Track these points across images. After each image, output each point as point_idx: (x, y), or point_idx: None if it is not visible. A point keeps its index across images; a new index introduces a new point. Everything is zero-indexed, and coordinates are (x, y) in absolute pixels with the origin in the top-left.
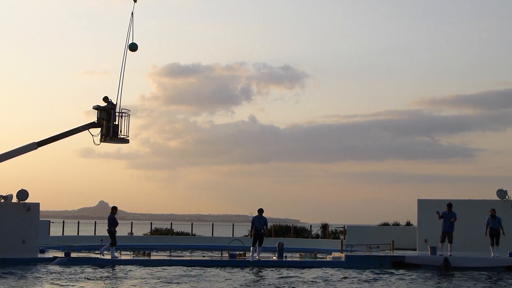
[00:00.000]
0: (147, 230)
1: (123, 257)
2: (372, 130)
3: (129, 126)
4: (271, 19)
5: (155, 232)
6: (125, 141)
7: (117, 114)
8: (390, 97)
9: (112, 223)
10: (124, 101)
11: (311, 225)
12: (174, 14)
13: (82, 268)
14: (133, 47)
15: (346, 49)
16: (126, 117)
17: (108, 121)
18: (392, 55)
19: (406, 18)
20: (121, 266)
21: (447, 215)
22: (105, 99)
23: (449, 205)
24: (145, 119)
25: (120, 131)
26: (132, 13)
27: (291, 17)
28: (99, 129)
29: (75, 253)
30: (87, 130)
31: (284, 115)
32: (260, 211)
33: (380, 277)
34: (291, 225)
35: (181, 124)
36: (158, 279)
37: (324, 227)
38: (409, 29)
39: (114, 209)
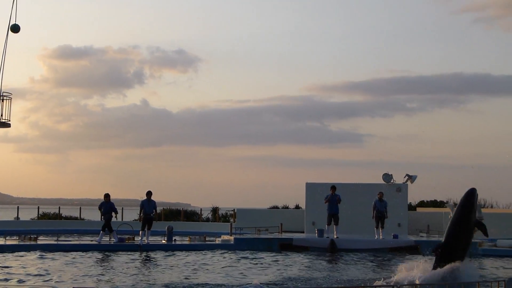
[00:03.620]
0: (34, 214)
1: (8, 242)
2: (264, 115)
3: (11, 110)
4: (165, 2)
5: (43, 216)
6: (6, 125)
7: (0, 97)
8: (282, 83)
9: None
10: (12, 84)
11: (201, 209)
12: None
13: None
14: (15, 28)
15: (239, 34)
16: (7, 100)
17: None
18: (284, 41)
19: (296, 4)
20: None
21: (331, 198)
22: None
23: (333, 187)
24: (34, 101)
25: (1, 115)
26: None
27: (185, 1)
28: None
29: None
30: None
31: (177, 99)
32: (149, 194)
33: (265, 259)
34: (181, 209)
35: (71, 107)
36: (43, 264)
37: (215, 210)
38: (300, 16)
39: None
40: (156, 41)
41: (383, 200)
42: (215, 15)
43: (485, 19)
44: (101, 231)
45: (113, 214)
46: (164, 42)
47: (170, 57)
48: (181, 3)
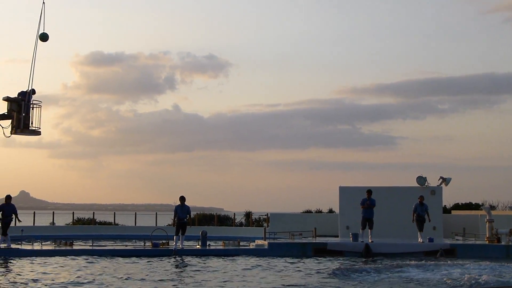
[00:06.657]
0: (69, 220)
1: (44, 247)
2: (294, 118)
3: (42, 118)
4: (195, 8)
5: (78, 222)
6: (36, 133)
7: (31, 105)
8: (312, 86)
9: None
10: (46, 90)
11: (234, 213)
12: (98, 1)
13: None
14: (43, 37)
15: (269, 38)
16: (37, 108)
17: (18, 113)
18: (314, 44)
19: (326, 6)
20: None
21: (366, 202)
22: (21, 94)
23: (369, 191)
24: (67, 108)
25: (32, 123)
26: (44, 2)
27: (214, 6)
28: (10, 120)
29: None
30: None
31: (208, 104)
32: (182, 199)
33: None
34: (215, 214)
35: (103, 113)
36: (79, 269)
37: (248, 215)
38: (330, 19)
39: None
40: (186, 47)
41: (424, 203)
42: (244, 20)
43: None
44: (1, 235)
45: (14, 217)
46: (194, 47)
47: (201, 62)
48: (211, 9)
